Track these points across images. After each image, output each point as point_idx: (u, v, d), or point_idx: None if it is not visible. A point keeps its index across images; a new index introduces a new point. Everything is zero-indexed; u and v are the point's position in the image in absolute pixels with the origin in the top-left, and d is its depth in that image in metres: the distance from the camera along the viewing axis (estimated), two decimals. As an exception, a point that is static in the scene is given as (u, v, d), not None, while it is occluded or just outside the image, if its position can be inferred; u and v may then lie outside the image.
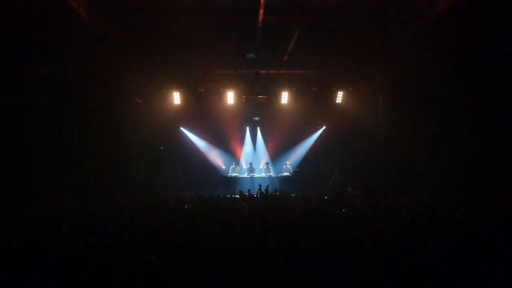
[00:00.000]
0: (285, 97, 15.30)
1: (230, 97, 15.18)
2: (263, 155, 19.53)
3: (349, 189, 12.37)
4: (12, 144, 11.98)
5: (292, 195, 11.69)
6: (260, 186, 10.50)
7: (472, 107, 12.54)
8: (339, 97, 15.46)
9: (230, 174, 17.76)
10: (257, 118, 19.57)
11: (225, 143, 19.31)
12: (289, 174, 17.74)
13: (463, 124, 12.74)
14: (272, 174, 17.87)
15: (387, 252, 4.50)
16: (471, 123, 12.57)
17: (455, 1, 9.64)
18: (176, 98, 15.24)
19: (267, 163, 18.39)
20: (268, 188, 10.33)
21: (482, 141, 12.26)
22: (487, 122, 12.35)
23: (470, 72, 12.06)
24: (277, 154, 19.40)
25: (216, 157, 19.24)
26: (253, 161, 18.66)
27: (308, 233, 5.23)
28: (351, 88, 15.20)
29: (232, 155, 19.30)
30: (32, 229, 5.60)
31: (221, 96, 15.17)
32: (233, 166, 18.12)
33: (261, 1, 10.06)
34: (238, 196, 10.19)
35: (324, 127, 18.80)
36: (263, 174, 17.85)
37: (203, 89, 15.38)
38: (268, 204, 7.99)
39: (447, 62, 12.16)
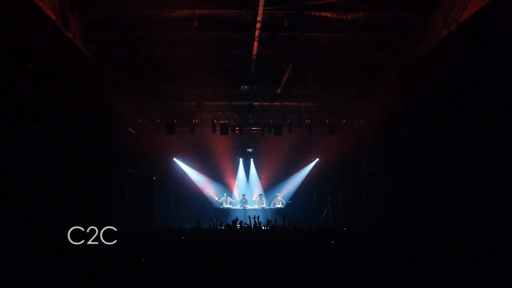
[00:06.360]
0: (278, 129, 15.32)
1: (224, 129, 15.19)
2: (257, 187, 19.42)
3: None
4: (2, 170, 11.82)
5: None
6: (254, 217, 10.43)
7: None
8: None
9: (222, 206, 17.60)
10: (250, 150, 19.55)
11: (218, 174, 19.22)
12: (282, 206, 17.61)
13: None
14: (265, 206, 17.73)
15: None
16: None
17: (445, 37, 9.77)
18: (170, 129, 15.22)
19: (260, 195, 18.27)
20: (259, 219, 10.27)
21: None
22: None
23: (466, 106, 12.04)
24: (270, 186, 19.30)
25: (209, 188, 19.11)
26: (246, 192, 18.53)
27: None
28: (344, 121, 15.24)
29: (225, 186, 19.18)
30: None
31: (214, 128, 15.18)
32: (224, 197, 18.00)
33: (256, 34, 10.20)
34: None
35: (317, 159, 18.79)
36: (256, 206, 17.69)
37: (196, 120, 15.41)
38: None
39: (441, 96, 12.19)
